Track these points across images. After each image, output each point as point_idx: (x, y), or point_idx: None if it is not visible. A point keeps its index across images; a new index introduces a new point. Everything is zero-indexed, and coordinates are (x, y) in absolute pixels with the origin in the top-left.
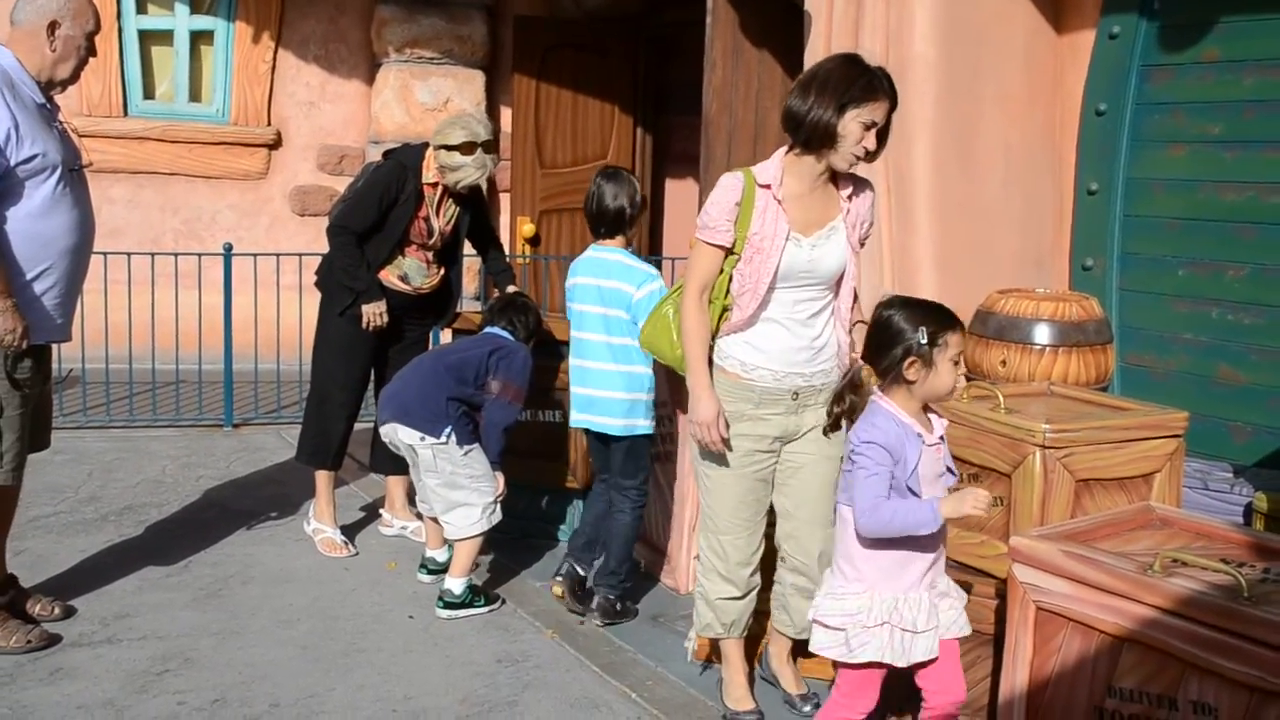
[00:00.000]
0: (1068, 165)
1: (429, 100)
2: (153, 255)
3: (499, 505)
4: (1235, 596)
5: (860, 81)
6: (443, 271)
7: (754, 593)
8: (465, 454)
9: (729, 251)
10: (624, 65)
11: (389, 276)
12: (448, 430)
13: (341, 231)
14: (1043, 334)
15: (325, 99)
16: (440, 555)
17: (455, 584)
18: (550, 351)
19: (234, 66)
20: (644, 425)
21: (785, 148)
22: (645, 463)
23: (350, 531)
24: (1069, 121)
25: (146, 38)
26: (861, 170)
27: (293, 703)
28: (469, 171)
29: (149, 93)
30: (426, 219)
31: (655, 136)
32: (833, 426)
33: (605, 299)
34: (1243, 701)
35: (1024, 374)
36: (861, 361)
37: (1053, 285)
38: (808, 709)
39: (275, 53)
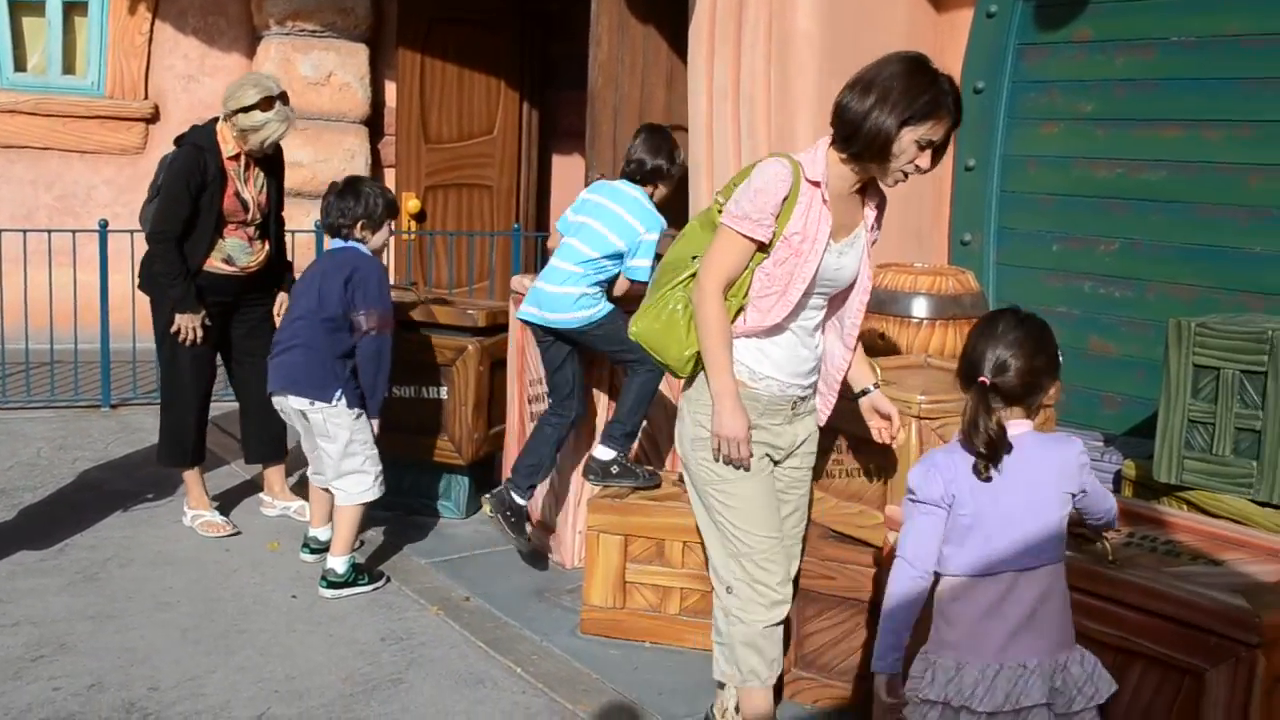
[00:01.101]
0: None
1: (311, 74)
2: (25, 232)
3: (384, 479)
4: (1100, 560)
5: (927, 96)
6: (267, 246)
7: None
8: (357, 417)
9: (761, 248)
10: (510, 39)
11: (214, 262)
12: (338, 394)
13: (162, 238)
14: (920, 307)
15: (205, 72)
16: (323, 534)
17: (337, 562)
18: (434, 328)
19: (109, 38)
20: (599, 310)
21: (828, 140)
22: (624, 334)
23: (232, 512)
24: None
25: (17, 8)
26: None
27: (172, 685)
28: (273, 126)
29: (20, 64)
30: (238, 194)
31: (542, 111)
32: (992, 461)
33: (607, 218)
34: (1107, 662)
35: (902, 346)
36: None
37: (932, 259)
38: None
39: (152, 24)
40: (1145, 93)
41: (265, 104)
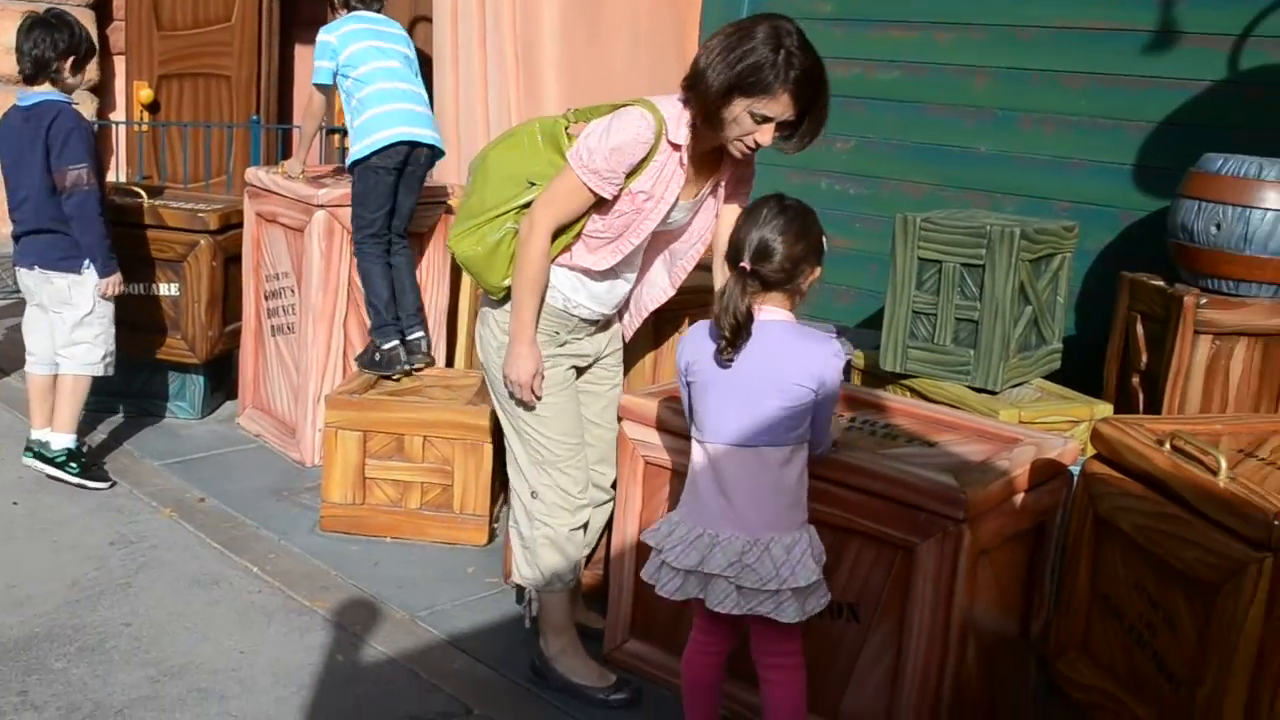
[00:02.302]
0: (691, 37)
1: None
2: None
3: (114, 361)
4: None
5: (752, 62)
6: None
7: None
8: (100, 292)
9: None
10: None
11: None
12: (85, 264)
13: None
14: None
15: None
16: (45, 435)
17: (56, 438)
18: (164, 229)
19: None
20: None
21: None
22: None
23: None
24: None
25: None
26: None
27: None
28: None
29: None
30: None
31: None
32: (733, 345)
33: (402, 42)
34: (828, 540)
35: None
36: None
37: None
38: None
39: None
40: None
41: None
